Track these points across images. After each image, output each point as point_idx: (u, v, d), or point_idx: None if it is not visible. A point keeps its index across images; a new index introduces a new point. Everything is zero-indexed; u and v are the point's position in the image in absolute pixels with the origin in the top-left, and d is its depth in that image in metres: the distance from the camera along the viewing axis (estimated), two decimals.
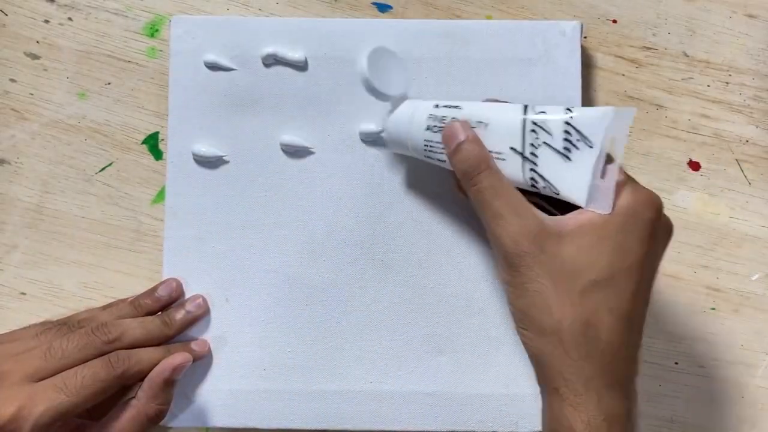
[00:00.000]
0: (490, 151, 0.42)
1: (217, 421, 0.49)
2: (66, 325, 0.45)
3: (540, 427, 0.49)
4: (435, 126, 0.44)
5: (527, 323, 0.39)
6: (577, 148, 0.40)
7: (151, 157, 0.52)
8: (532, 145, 0.41)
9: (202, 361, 0.50)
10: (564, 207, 0.41)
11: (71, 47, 0.53)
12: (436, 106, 0.45)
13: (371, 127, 0.50)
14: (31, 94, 0.52)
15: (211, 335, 0.50)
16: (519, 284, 0.39)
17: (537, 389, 0.49)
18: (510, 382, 0.49)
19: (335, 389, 0.50)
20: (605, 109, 0.39)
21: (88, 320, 0.46)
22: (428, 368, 0.50)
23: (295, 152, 0.50)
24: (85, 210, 0.52)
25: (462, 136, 0.42)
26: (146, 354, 0.45)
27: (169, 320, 0.48)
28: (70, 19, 0.53)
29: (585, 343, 0.38)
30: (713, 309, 0.51)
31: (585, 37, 0.52)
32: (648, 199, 0.40)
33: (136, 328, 0.46)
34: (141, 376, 0.45)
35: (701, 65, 0.52)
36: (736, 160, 0.52)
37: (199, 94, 0.51)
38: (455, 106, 0.44)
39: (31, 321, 0.51)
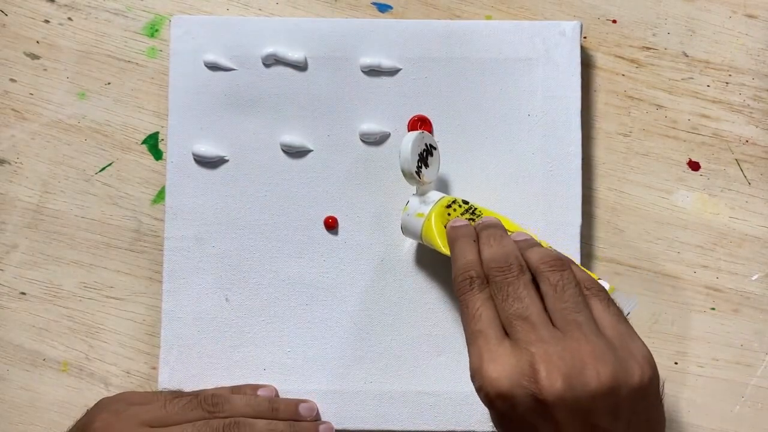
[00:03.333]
0: None
1: None
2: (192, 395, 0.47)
3: None
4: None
5: None
6: None
7: (151, 157, 0.52)
8: None
9: (202, 361, 0.50)
10: None
11: (71, 47, 0.53)
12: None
13: (371, 127, 0.50)
14: (31, 94, 0.52)
15: (210, 335, 0.50)
16: None
17: None
18: None
19: (335, 389, 0.50)
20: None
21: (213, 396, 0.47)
22: (428, 368, 0.50)
23: (295, 152, 0.50)
24: (85, 210, 0.52)
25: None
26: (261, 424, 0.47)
27: (277, 409, 0.48)
28: (70, 19, 0.53)
29: None
30: (713, 309, 0.51)
31: (585, 37, 0.52)
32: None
33: (244, 407, 0.47)
34: None
35: (701, 65, 0.52)
36: (736, 160, 0.52)
37: (199, 94, 0.51)
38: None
39: (31, 321, 0.51)
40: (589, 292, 0.40)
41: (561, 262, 0.40)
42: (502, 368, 0.37)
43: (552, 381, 0.36)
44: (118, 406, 0.46)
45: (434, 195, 0.47)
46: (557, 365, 0.36)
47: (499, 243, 0.42)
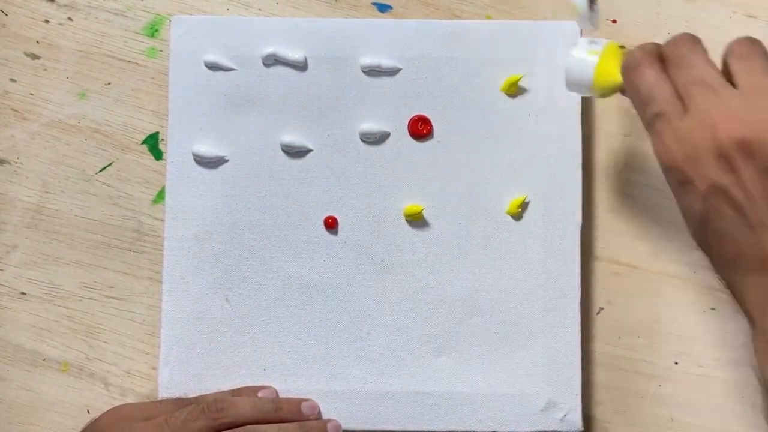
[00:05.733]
0: None
1: None
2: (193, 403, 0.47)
3: (539, 427, 0.49)
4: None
5: None
6: None
7: (151, 157, 0.52)
8: None
9: (202, 361, 0.50)
10: None
11: (71, 47, 0.53)
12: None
13: (371, 127, 0.50)
14: (31, 94, 0.52)
15: (210, 335, 0.50)
16: None
17: (537, 388, 0.49)
18: (510, 382, 0.49)
19: (335, 389, 0.50)
20: None
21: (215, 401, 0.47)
22: (428, 368, 0.50)
23: (295, 152, 0.51)
24: (85, 210, 0.52)
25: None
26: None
27: (281, 409, 0.48)
28: (70, 19, 0.53)
29: None
30: (713, 309, 0.51)
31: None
32: None
33: (249, 409, 0.47)
34: None
35: None
36: None
37: (199, 94, 0.51)
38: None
39: (31, 321, 0.51)
40: None
41: (750, 40, 0.40)
42: (684, 143, 0.38)
43: (731, 131, 0.37)
44: (120, 427, 0.45)
45: (601, 40, 0.45)
46: (737, 118, 0.37)
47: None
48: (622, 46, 0.44)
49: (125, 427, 0.45)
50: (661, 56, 0.41)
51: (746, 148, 0.37)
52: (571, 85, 0.45)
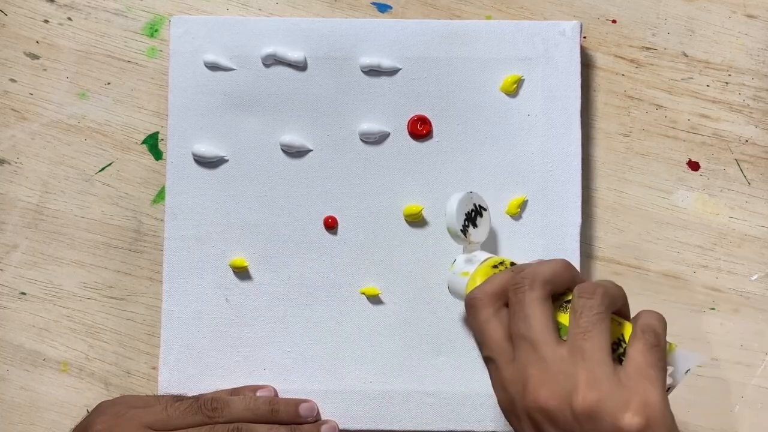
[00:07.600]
0: None
1: None
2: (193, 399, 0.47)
3: None
4: None
5: None
6: None
7: (151, 157, 0.52)
8: None
9: (202, 361, 0.50)
10: None
11: (71, 47, 0.53)
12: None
13: (371, 126, 0.50)
14: (31, 94, 0.53)
15: (210, 335, 0.50)
16: None
17: None
18: None
19: (335, 389, 0.50)
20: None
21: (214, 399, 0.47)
22: (428, 368, 0.50)
23: (295, 152, 0.51)
24: (85, 210, 0.52)
25: None
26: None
27: (277, 411, 0.48)
28: (69, 19, 0.53)
29: None
30: (713, 309, 0.51)
31: (585, 37, 0.52)
32: None
33: (243, 410, 0.47)
34: None
35: (701, 65, 0.52)
36: (736, 160, 0.52)
37: (199, 94, 0.51)
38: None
39: (31, 321, 0.51)
40: (642, 334, 0.40)
41: (590, 289, 0.40)
42: (506, 393, 0.40)
43: (537, 396, 0.38)
44: (118, 408, 0.46)
45: (481, 255, 0.46)
46: (547, 383, 0.38)
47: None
48: (498, 264, 0.45)
49: (126, 410, 0.46)
50: (506, 294, 0.41)
51: (548, 416, 0.38)
52: (453, 294, 0.46)
